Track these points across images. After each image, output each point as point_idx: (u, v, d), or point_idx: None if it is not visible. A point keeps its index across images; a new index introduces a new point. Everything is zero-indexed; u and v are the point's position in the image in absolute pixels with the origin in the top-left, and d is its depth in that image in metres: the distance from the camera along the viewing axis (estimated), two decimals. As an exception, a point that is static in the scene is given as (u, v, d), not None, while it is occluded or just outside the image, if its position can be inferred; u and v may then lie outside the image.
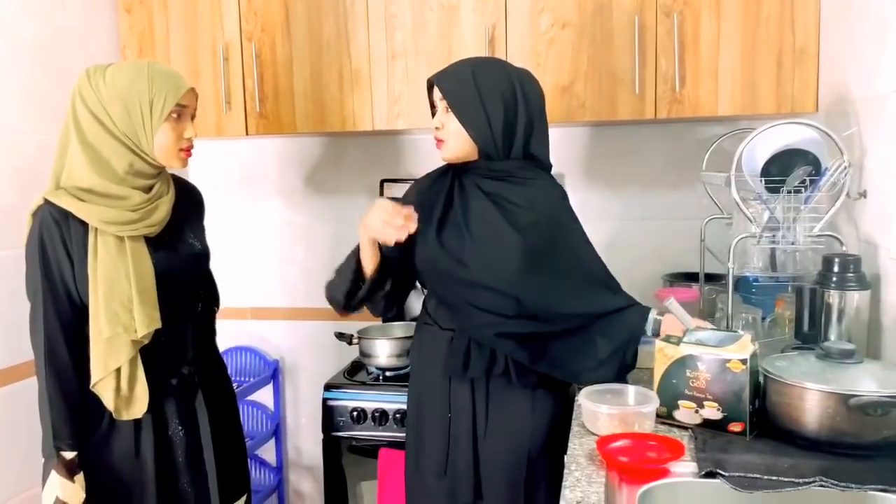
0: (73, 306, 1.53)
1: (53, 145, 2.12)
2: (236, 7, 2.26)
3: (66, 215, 1.50)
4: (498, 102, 1.50)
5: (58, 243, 1.51)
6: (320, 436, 2.21)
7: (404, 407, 2.10)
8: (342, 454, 2.18)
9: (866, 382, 1.22)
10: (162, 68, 1.57)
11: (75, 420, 1.52)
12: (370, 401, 2.15)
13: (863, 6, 1.65)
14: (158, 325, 1.54)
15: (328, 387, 2.20)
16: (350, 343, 2.29)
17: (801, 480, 1.13)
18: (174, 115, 1.54)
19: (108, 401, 1.52)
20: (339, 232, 2.63)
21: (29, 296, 1.56)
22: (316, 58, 2.23)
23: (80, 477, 1.51)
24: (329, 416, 2.17)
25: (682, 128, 2.33)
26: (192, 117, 1.61)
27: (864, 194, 1.59)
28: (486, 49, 2.08)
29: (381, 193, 2.51)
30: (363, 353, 2.27)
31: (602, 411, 1.35)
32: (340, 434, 2.17)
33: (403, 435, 2.09)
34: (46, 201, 1.52)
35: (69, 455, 1.50)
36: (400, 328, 2.31)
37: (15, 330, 2.02)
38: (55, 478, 1.48)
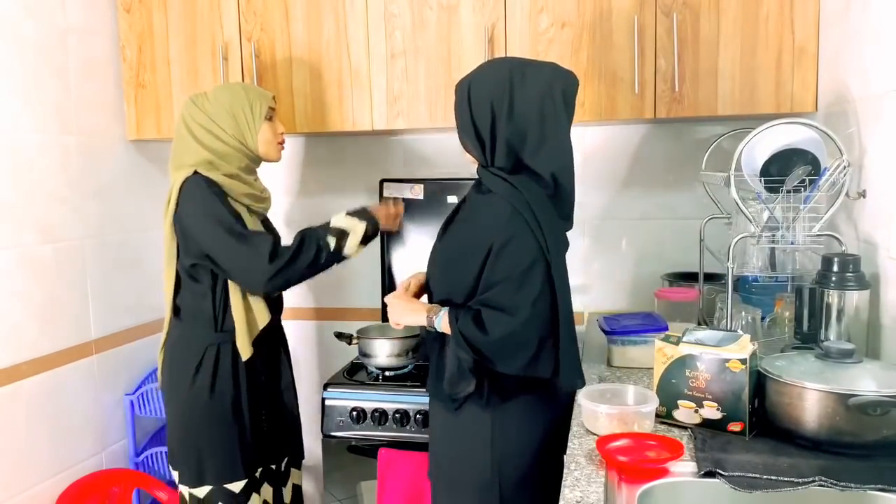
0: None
1: (53, 144, 2.16)
2: (235, 6, 2.26)
3: (214, 182, 1.82)
4: (486, 111, 1.47)
5: (221, 196, 1.82)
6: (320, 435, 2.21)
7: (404, 407, 2.11)
8: (342, 454, 2.18)
9: (865, 382, 1.22)
10: (250, 85, 2.06)
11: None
12: (370, 401, 2.14)
13: (862, 6, 1.65)
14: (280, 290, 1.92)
15: (327, 386, 2.20)
16: (350, 343, 2.29)
17: (800, 480, 1.13)
18: (268, 117, 1.92)
19: (245, 348, 1.87)
20: (339, 231, 2.63)
21: (215, 218, 1.79)
22: (315, 57, 2.23)
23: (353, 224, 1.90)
24: (328, 416, 2.17)
25: (681, 127, 2.33)
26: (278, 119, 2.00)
27: (863, 194, 1.59)
28: (486, 48, 2.08)
29: (381, 193, 2.51)
30: (363, 353, 2.27)
31: (601, 411, 1.35)
32: (340, 434, 2.16)
33: (403, 435, 2.10)
34: (196, 172, 1.83)
35: (329, 237, 1.85)
36: (399, 328, 2.30)
37: (15, 330, 2.02)
38: (342, 227, 1.88)
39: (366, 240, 1.89)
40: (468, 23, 2.11)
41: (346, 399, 2.16)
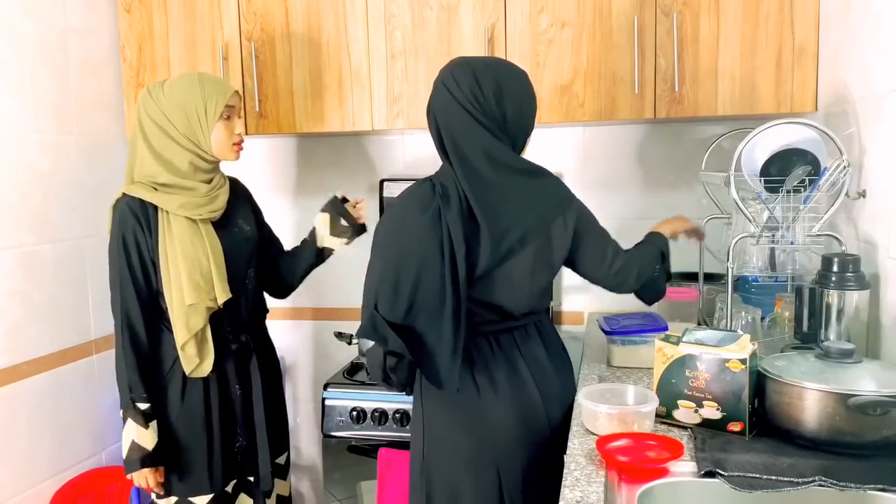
0: (148, 284, 1.77)
1: (53, 144, 2.16)
2: (236, 6, 2.26)
3: (142, 203, 1.75)
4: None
5: (136, 229, 1.74)
6: (319, 435, 2.21)
7: (404, 407, 2.11)
8: (342, 454, 2.18)
9: (865, 382, 1.22)
10: (210, 76, 1.84)
11: (148, 377, 1.77)
12: (370, 400, 2.14)
13: (862, 6, 1.65)
14: (230, 295, 1.81)
15: (327, 386, 2.20)
16: (349, 343, 2.29)
17: (800, 480, 1.13)
18: (225, 116, 1.80)
19: (189, 360, 1.78)
20: (339, 231, 2.63)
21: (112, 277, 1.77)
22: (315, 57, 2.23)
23: (153, 425, 1.76)
24: (328, 416, 2.17)
25: (681, 127, 2.33)
26: (239, 116, 1.88)
27: (863, 194, 1.59)
28: (486, 48, 2.08)
29: (381, 193, 2.51)
30: (362, 353, 2.26)
31: (601, 411, 1.35)
32: (340, 434, 2.16)
33: (403, 434, 2.09)
34: (124, 194, 1.77)
35: (143, 406, 1.75)
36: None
37: (15, 330, 2.02)
38: (131, 424, 1.74)
39: (133, 449, 1.74)
40: (468, 23, 2.11)
41: (346, 399, 2.16)
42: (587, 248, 1.56)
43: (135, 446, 1.74)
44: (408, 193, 1.55)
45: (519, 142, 1.55)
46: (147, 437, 1.75)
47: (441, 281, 1.44)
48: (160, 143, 1.77)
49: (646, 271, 1.62)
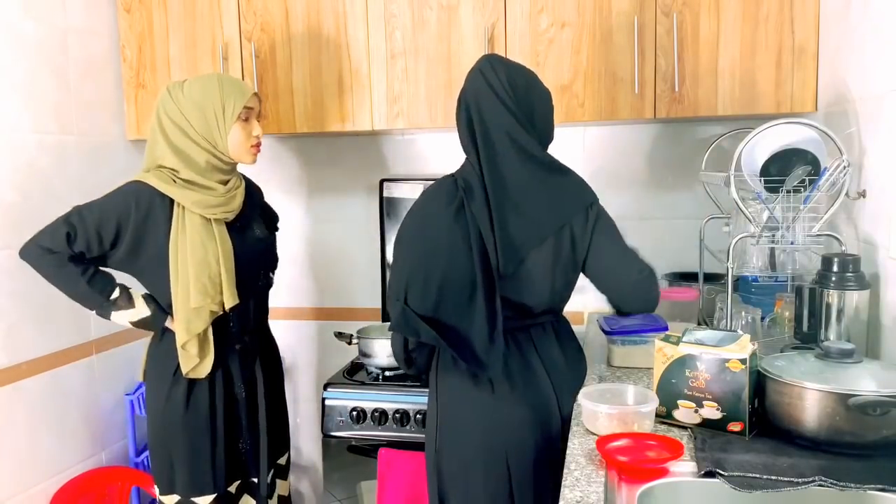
0: (98, 253, 1.75)
1: (53, 144, 2.16)
2: (235, 6, 2.26)
3: (153, 194, 1.74)
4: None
5: (122, 217, 1.72)
6: (319, 435, 2.21)
7: (404, 407, 2.11)
8: (342, 454, 2.18)
9: (865, 382, 1.22)
10: (229, 78, 1.84)
11: (99, 274, 1.78)
12: (370, 400, 2.14)
13: (862, 6, 1.65)
14: (237, 300, 1.79)
15: (327, 386, 2.20)
16: (349, 343, 2.29)
17: (800, 480, 1.13)
18: (243, 117, 1.79)
19: (188, 360, 1.77)
20: (339, 231, 2.64)
21: (72, 211, 1.76)
22: (315, 57, 2.23)
23: (135, 299, 1.79)
24: (328, 416, 2.17)
25: (681, 127, 2.33)
26: (258, 118, 1.87)
27: (863, 194, 1.59)
28: (486, 48, 2.08)
29: (381, 193, 2.51)
30: (362, 353, 2.27)
31: (601, 411, 1.35)
32: (340, 434, 2.16)
33: (403, 434, 2.10)
34: (138, 181, 1.76)
35: (115, 295, 1.77)
36: (399, 328, 2.30)
37: (15, 330, 2.02)
38: (116, 315, 1.78)
39: (139, 323, 1.80)
40: (468, 23, 2.11)
41: (346, 399, 2.16)
42: (603, 251, 1.55)
43: (136, 323, 1.80)
44: (429, 190, 1.58)
45: (544, 141, 1.59)
46: (136, 312, 1.78)
47: (471, 271, 1.48)
48: (179, 140, 1.77)
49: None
